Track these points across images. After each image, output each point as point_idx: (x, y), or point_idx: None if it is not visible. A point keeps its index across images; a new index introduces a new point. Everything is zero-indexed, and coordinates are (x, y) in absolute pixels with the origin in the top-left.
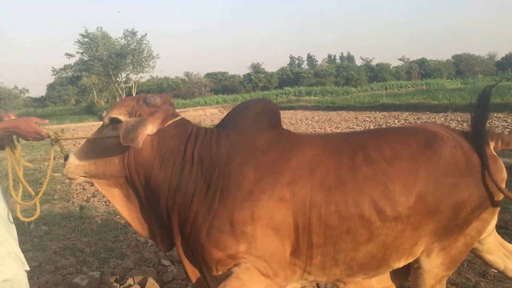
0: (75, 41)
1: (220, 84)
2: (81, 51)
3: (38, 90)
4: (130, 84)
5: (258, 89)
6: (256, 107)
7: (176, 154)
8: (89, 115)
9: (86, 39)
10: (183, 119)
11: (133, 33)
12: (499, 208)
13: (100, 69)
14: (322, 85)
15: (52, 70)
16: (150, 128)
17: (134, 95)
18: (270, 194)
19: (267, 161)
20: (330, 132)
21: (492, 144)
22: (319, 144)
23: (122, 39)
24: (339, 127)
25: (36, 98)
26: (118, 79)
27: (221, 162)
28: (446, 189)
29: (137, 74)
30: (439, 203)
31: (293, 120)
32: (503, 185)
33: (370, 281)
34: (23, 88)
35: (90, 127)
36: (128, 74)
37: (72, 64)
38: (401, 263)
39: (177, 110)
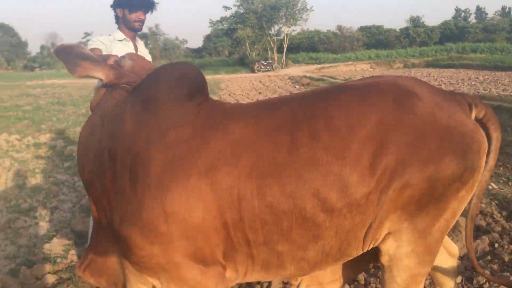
0: None
1: (374, 39)
2: (238, 3)
3: (196, 41)
4: (282, 37)
5: (415, 44)
6: (171, 73)
7: (98, 125)
8: (241, 67)
9: None
10: (126, 88)
11: None
12: (475, 188)
13: (254, 21)
14: (491, 41)
15: (210, 22)
16: (94, 71)
17: (285, 48)
18: (184, 183)
19: (178, 140)
20: (269, 98)
21: (475, 111)
22: (252, 117)
23: None
24: (507, 90)
25: (194, 49)
26: (270, 31)
27: (126, 139)
28: (420, 156)
29: (289, 27)
30: (411, 174)
31: (453, 80)
32: (484, 158)
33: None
34: (183, 39)
35: (242, 78)
36: (280, 27)
37: (228, 16)
38: (365, 249)
39: (327, 65)
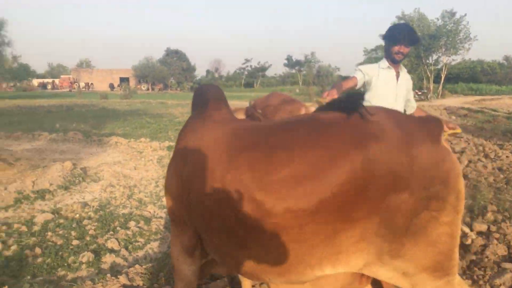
0: (390, 23)
1: None
2: None
3: (348, 69)
4: (440, 66)
5: None
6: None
7: None
8: None
9: (401, 21)
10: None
11: (452, 14)
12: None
13: (411, 50)
14: None
15: (364, 51)
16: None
17: (443, 78)
18: (171, 170)
19: (182, 140)
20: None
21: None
22: (219, 130)
23: (438, 19)
24: None
25: (346, 76)
26: (428, 61)
27: None
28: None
29: (449, 56)
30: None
31: None
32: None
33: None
34: (335, 66)
35: None
36: (439, 56)
37: (384, 44)
38: (323, 271)
39: (489, 97)
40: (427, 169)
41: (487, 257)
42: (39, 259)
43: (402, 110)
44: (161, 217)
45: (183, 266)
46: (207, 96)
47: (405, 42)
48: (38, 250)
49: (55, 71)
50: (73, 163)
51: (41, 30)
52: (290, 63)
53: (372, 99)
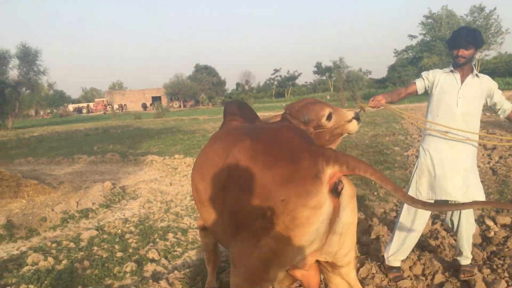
0: (419, 23)
1: None
2: (424, 32)
3: (380, 71)
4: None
5: None
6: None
7: None
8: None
9: (429, 20)
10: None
11: (481, 9)
12: (305, 236)
13: (442, 48)
14: None
15: (394, 52)
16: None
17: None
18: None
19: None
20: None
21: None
22: (221, 137)
23: (467, 16)
24: None
25: (378, 79)
26: None
27: None
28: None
29: (482, 52)
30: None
31: None
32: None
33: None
34: (367, 70)
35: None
36: None
37: (414, 45)
38: None
39: None
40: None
41: (507, 247)
42: (88, 271)
43: (474, 114)
44: (197, 228)
45: None
46: (225, 111)
47: (463, 45)
48: (86, 263)
49: (89, 95)
50: (112, 183)
51: (73, 56)
52: (320, 70)
53: (433, 103)
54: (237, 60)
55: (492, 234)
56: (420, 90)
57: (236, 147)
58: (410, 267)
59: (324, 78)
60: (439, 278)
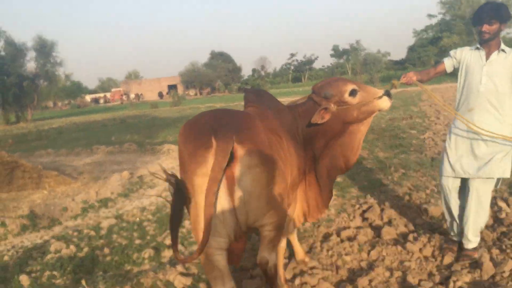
0: (438, 2)
1: None
2: (443, 11)
3: (398, 53)
4: None
5: None
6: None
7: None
8: (447, 76)
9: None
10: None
11: None
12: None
13: (462, 28)
14: None
15: (413, 32)
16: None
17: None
18: None
19: None
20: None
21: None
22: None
23: None
24: None
25: (396, 61)
26: None
27: None
28: None
29: (503, 30)
30: None
31: None
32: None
33: None
34: (385, 51)
35: (447, 88)
36: None
37: (433, 24)
38: None
39: None
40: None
41: None
42: (108, 258)
43: (501, 91)
44: None
45: None
46: (244, 98)
47: (486, 20)
48: (106, 250)
49: (105, 85)
50: (130, 173)
51: (89, 46)
52: (337, 53)
53: (461, 82)
54: (253, 46)
55: (503, 215)
56: (449, 69)
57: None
58: (420, 249)
59: (341, 61)
60: (448, 259)
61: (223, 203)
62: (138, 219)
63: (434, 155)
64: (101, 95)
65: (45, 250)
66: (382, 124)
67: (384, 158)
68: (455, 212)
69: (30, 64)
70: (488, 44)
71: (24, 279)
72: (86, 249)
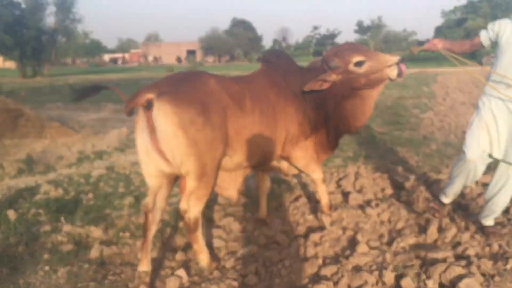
0: None
1: None
2: None
3: (426, 33)
4: None
5: None
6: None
7: None
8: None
9: None
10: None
11: None
12: None
13: (488, 10)
14: None
15: (441, 13)
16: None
17: None
18: None
19: None
20: None
21: None
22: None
23: None
24: None
25: (422, 41)
26: None
27: None
28: None
29: None
30: None
31: None
32: None
33: None
34: (412, 31)
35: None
36: None
37: (461, 5)
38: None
39: None
40: None
41: None
42: (91, 202)
43: None
44: None
45: None
46: (263, 59)
47: None
48: (90, 195)
49: (125, 46)
50: (129, 129)
51: (110, 5)
52: (361, 29)
53: (498, 56)
54: (275, 15)
55: (468, 190)
56: (485, 42)
57: None
58: (378, 214)
59: (365, 37)
60: (400, 224)
61: (146, 140)
62: (128, 171)
63: (427, 133)
64: (120, 55)
65: (35, 192)
66: (388, 102)
67: (378, 133)
68: (470, 182)
69: (50, 19)
70: None
71: (11, 213)
72: (72, 193)
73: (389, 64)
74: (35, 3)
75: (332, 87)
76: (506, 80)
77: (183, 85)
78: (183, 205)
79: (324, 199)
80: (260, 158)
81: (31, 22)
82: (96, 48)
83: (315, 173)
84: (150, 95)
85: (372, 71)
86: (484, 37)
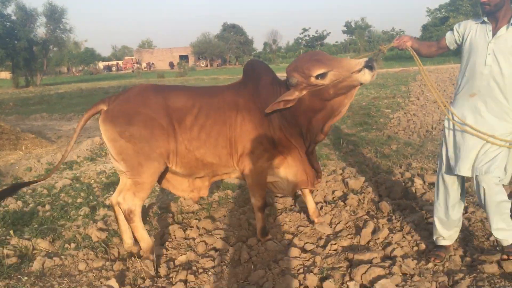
0: None
1: None
2: None
3: (413, 31)
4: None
5: None
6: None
7: None
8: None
9: None
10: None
11: None
12: None
13: (468, 8)
14: None
15: (427, 11)
16: None
17: None
18: None
19: None
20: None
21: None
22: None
23: None
24: None
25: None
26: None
27: None
28: None
29: None
30: None
31: None
32: None
33: None
34: (400, 30)
35: (448, 69)
36: None
37: (447, 3)
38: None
39: None
40: None
41: None
42: (48, 213)
43: (509, 73)
44: None
45: None
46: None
47: None
48: (47, 207)
49: (120, 53)
50: (101, 138)
51: (104, 14)
52: (350, 29)
53: (463, 61)
54: (265, 19)
55: (413, 190)
56: (451, 45)
57: None
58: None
59: (354, 37)
60: (340, 227)
61: None
62: (93, 181)
63: (392, 133)
64: (114, 62)
65: None
66: (363, 102)
67: (344, 135)
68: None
69: (40, 30)
70: (495, 16)
71: None
72: (31, 205)
73: (357, 69)
74: (25, 14)
75: (301, 102)
76: (467, 89)
77: (122, 102)
78: (115, 198)
79: (259, 224)
80: (207, 171)
81: (21, 33)
82: (90, 56)
83: (254, 198)
84: (103, 107)
85: (338, 79)
86: (450, 39)
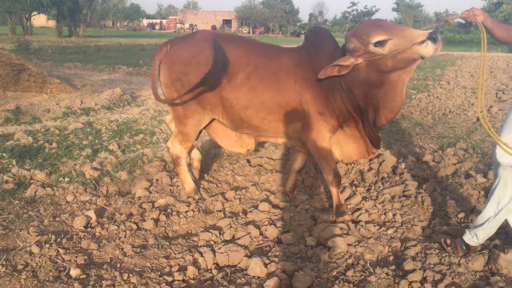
0: None
1: None
2: None
3: None
4: None
5: None
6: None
7: None
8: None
9: None
10: None
11: None
12: None
13: None
14: None
15: None
16: None
17: None
18: None
19: None
20: None
21: None
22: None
23: None
24: None
25: (463, 24)
26: None
27: None
28: None
29: None
30: None
31: None
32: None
33: None
34: (454, 12)
35: (493, 57)
36: None
37: None
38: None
39: None
40: None
41: None
42: (53, 150)
43: None
44: (164, 132)
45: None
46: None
47: None
48: (54, 145)
49: (165, 12)
50: (122, 90)
51: None
52: (400, 7)
53: None
54: None
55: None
56: None
57: None
58: (297, 206)
59: (401, 16)
60: (320, 191)
61: None
62: (104, 127)
63: (407, 113)
64: (158, 21)
65: (9, 138)
66: None
67: None
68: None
69: None
70: None
71: None
72: (40, 142)
73: (419, 41)
74: None
75: (356, 72)
76: None
77: (181, 48)
78: (168, 143)
79: (334, 201)
80: (252, 131)
81: None
82: (135, 12)
83: (324, 172)
84: (166, 49)
85: (398, 50)
86: None
